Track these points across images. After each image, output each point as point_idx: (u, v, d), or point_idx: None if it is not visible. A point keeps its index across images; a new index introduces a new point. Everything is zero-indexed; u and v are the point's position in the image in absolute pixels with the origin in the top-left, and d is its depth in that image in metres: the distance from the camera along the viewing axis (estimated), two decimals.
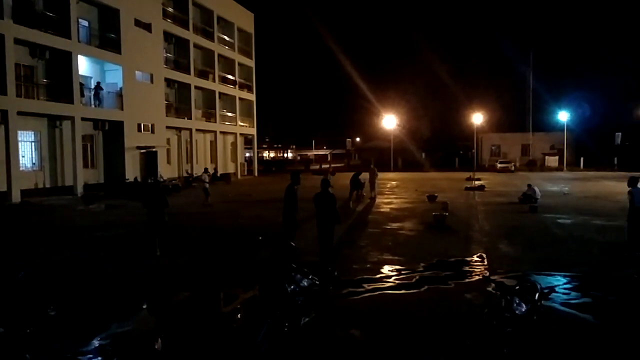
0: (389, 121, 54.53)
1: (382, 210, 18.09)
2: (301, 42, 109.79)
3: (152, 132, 29.70)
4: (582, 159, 49.59)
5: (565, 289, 7.83)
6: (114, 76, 27.36)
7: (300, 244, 10.48)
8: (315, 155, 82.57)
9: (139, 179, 26.73)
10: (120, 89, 27.12)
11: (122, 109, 27.03)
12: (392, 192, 25.10)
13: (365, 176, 22.09)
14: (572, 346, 5.59)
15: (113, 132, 26.80)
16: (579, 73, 78.95)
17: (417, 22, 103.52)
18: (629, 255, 9.74)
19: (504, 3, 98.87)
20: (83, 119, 24.49)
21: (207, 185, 20.10)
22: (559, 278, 8.38)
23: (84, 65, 25.45)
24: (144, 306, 7.50)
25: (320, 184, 9.32)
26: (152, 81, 29.86)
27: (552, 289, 7.66)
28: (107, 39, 26.33)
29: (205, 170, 22.08)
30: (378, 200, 21.11)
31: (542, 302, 6.22)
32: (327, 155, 73.69)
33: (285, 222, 10.09)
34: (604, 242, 11.42)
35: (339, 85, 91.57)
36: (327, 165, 51.14)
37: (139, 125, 28.48)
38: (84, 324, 6.50)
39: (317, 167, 51.86)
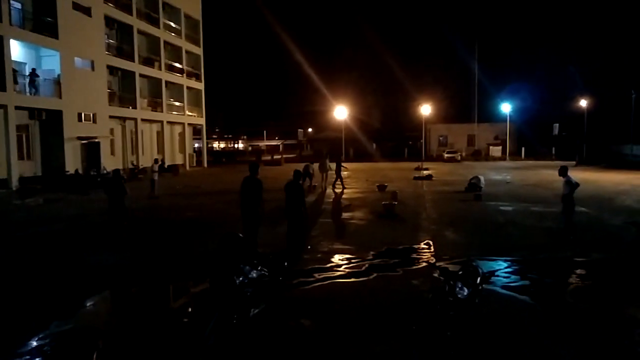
0: (340, 112, 54.84)
1: (333, 200, 18.22)
2: (252, 30, 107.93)
3: (94, 121, 28.36)
4: (523, 148, 51.97)
5: (506, 272, 8.20)
6: (52, 62, 25.82)
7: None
8: (267, 145, 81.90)
9: (80, 171, 25.51)
10: (59, 76, 25.63)
11: (60, 98, 25.57)
12: (345, 182, 25.29)
13: (315, 167, 22.19)
14: (510, 326, 5.86)
15: (51, 121, 25.33)
16: (521, 65, 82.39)
17: (366, 13, 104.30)
18: (573, 238, 10.29)
19: None
20: (17, 107, 22.96)
21: (156, 177, 19.50)
22: (500, 262, 8.76)
23: (17, 51, 23.84)
24: (88, 303, 7.19)
25: (293, 174, 9.53)
26: (93, 68, 28.45)
27: (492, 273, 8.01)
28: (42, 23, 24.76)
29: (156, 160, 21.39)
30: (329, 190, 21.23)
31: (484, 285, 6.48)
32: (279, 145, 73.32)
33: (248, 216, 9.67)
34: (542, 228, 12.04)
35: (291, 76, 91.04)
36: (280, 155, 50.88)
37: (80, 114, 27.09)
38: (21, 324, 6.15)
39: (269, 157, 51.47)
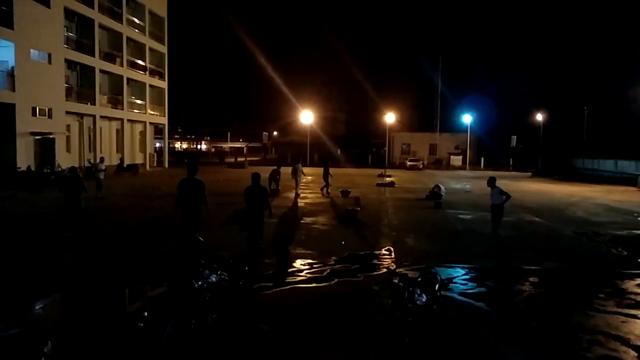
0: (306, 117, 54.94)
1: (297, 204, 18.17)
2: (218, 32, 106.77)
3: (50, 117, 27.24)
4: (482, 159, 53.57)
5: (463, 279, 8.38)
6: (5, 54, 24.61)
7: (211, 239, 10.24)
8: (230, 147, 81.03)
9: (32, 168, 24.42)
10: (12, 68, 24.49)
11: (13, 90, 24.41)
12: (307, 187, 25.31)
13: (286, 171, 22.16)
14: (467, 332, 5.98)
15: (3, 115, 24.15)
16: (481, 78, 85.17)
17: (333, 21, 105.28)
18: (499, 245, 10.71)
19: (416, 7, 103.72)
20: None
21: (102, 176, 18.93)
22: (458, 270, 8.95)
23: None
24: (37, 306, 6.85)
25: (252, 177, 9.64)
26: (50, 61, 27.34)
27: (450, 280, 8.17)
28: None
29: (101, 159, 20.73)
30: (292, 194, 21.14)
31: (442, 292, 6.59)
32: (243, 148, 72.63)
33: (188, 217, 9.59)
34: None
35: (256, 79, 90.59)
36: (244, 157, 50.36)
37: (34, 109, 25.97)
38: None
39: (232, 160, 50.89)
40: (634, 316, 6.65)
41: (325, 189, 21.47)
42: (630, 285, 8.21)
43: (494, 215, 11.01)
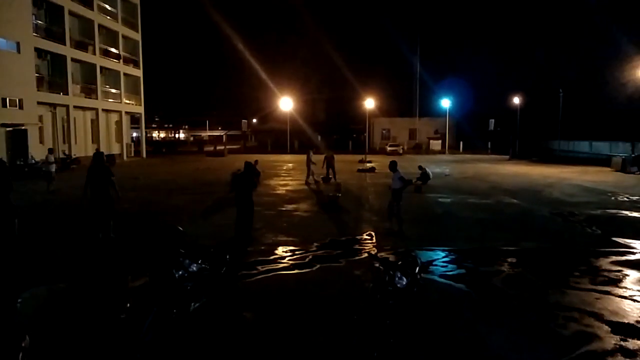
0: (285, 103, 54.59)
1: (277, 192, 18.11)
2: (193, 19, 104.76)
3: (21, 107, 26.47)
4: (461, 142, 54.11)
5: (443, 262, 8.50)
6: None
7: (192, 228, 10.15)
8: (209, 136, 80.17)
9: (5, 161, 23.74)
10: None
11: None
12: (289, 174, 25.27)
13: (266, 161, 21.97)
14: (447, 313, 6.08)
15: None
16: (459, 62, 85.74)
17: (311, 4, 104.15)
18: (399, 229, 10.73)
19: None
20: None
21: (53, 169, 17.77)
22: (438, 252, 9.06)
23: None
24: (12, 300, 6.70)
25: (244, 166, 10.29)
26: (18, 50, 26.47)
27: (431, 263, 8.27)
28: None
29: (50, 150, 19.31)
30: (273, 182, 21.08)
31: (422, 275, 6.68)
32: (222, 136, 71.94)
33: (98, 202, 9.93)
34: (477, 219, 12.58)
35: (234, 66, 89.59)
36: (223, 146, 49.86)
37: (4, 99, 25.20)
38: None
39: (212, 148, 50.39)
40: (608, 292, 6.85)
41: (332, 178, 21.07)
42: (604, 262, 8.44)
43: (393, 199, 11.02)
